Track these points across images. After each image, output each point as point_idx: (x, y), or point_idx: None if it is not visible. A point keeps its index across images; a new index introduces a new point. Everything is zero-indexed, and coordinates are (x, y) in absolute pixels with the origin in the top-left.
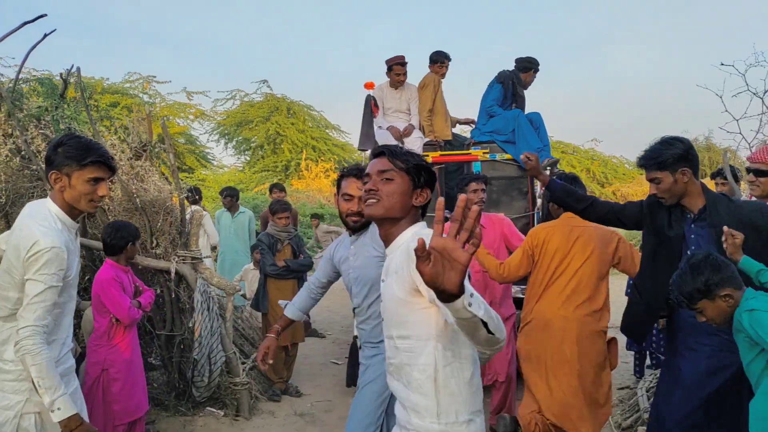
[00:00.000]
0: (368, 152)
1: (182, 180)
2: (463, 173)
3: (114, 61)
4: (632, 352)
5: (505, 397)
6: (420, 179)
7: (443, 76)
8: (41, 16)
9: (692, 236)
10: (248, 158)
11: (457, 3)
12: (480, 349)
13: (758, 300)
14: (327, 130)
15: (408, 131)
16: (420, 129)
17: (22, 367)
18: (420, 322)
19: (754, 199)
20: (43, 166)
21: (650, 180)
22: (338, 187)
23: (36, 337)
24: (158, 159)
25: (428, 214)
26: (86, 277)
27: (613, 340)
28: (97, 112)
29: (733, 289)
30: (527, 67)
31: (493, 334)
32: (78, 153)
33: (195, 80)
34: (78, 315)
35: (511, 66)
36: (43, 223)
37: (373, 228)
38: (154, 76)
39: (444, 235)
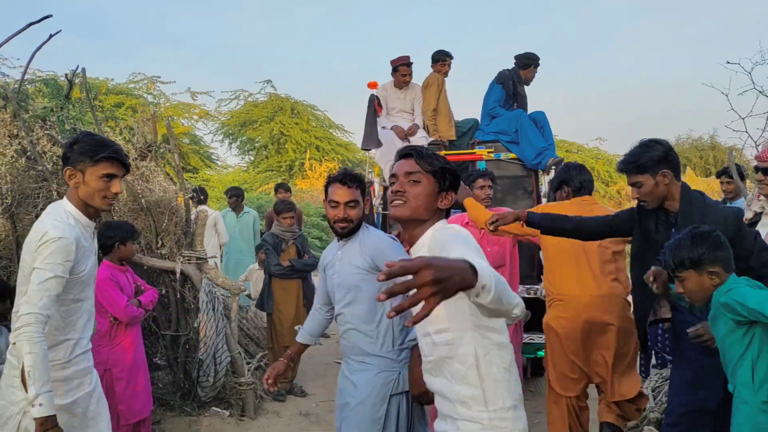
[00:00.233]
0: (372, 152)
1: (187, 180)
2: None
3: (118, 61)
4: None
5: None
6: (445, 182)
7: (446, 74)
8: (46, 17)
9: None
10: (252, 158)
11: (460, 2)
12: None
13: (740, 284)
14: (331, 130)
15: (412, 131)
16: (424, 129)
17: None
18: (454, 314)
19: (762, 198)
20: (49, 166)
21: (631, 184)
22: (326, 192)
23: (38, 326)
24: (163, 159)
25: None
26: None
27: None
28: (102, 113)
29: (722, 270)
30: (526, 63)
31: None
32: (91, 149)
33: (199, 80)
34: None
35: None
36: (55, 217)
37: (364, 236)
38: (159, 77)
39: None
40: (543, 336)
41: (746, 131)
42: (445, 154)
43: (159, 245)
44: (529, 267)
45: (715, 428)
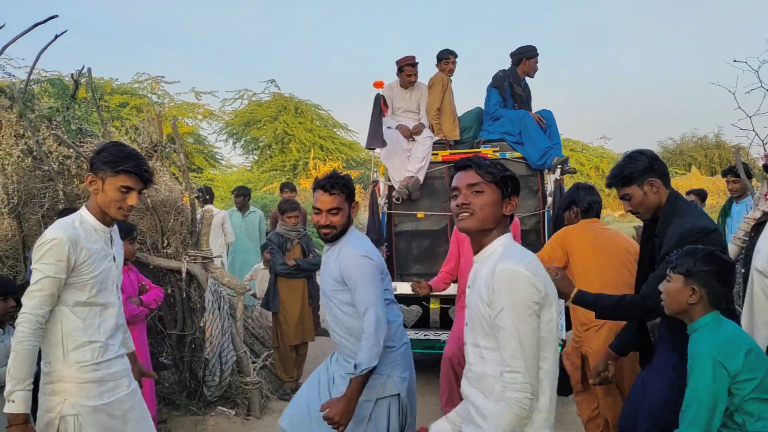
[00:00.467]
0: (377, 151)
1: (192, 180)
2: None
3: (123, 61)
4: None
5: None
6: (507, 188)
7: (450, 72)
8: (52, 18)
9: None
10: (256, 158)
11: (463, 2)
12: None
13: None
14: (335, 129)
15: (418, 130)
16: (430, 128)
17: (58, 368)
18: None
19: None
20: (55, 166)
21: (621, 198)
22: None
23: (26, 325)
24: (168, 159)
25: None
26: None
27: None
28: (107, 113)
29: (706, 298)
30: (518, 58)
31: None
32: (114, 159)
33: (203, 80)
34: None
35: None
36: (62, 221)
37: (343, 246)
38: (163, 77)
39: None
40: None
41: (753, 129)
42: (451, 153)
43: (165, 245)
44: None
45: None
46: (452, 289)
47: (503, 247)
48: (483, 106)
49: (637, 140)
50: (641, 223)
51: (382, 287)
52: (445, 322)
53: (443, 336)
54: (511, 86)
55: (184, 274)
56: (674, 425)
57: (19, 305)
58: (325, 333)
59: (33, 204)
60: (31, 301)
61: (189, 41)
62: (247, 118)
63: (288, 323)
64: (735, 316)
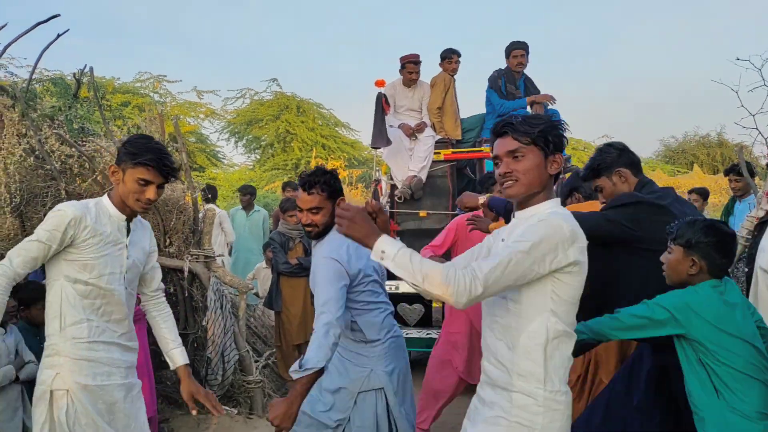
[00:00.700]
0: (380, 150)
1: (194, 179)
2: (475, 170)
3: (125, 60)
4: None
5: None
6: (549, 145)
7: (453, 72)
8: (54, 17)
9: None
10: (258, 156)
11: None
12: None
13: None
14: (337, 128)
15: (420, 128)
16: (432, 127)
17: (54, 341)
18: (533, 292)
19: None
20: (57, 165)
21: (594, 190)
22: None
23: (3, 278)
24: None
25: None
26: None
27: None
28: (110, 112)
29: (705, 269)
30: (507, 54)
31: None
32: (134, 151)
33: (205, 79)
34: None
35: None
36: (79, 201)
37: (320, 247)
38: (165, 76)
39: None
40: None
41: (756, 128)
42: (452, 152)
43: (167, 244)
44: None
45: None
46: None
47: (551, 210)
48: (484, 108)
49: (639, 139)
50: None
51: (342, 292)
52: None
53: None
54: (505, 84)
55: (186, 273)
56: None
57: (19, 305)
58: None
59: (35, 203)
60: (16, 258)
61: (191, 40)
62: (249, 116)
63: (291, 322)
64: None
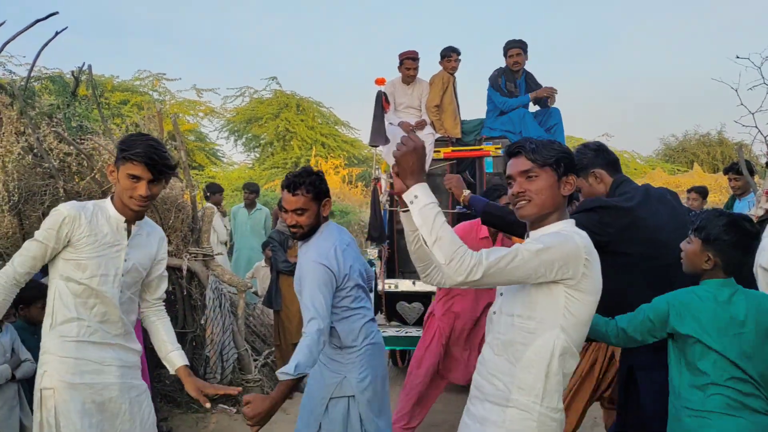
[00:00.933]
0: (380, 148)
1: (194, 177)
2: (475, 173)
3: (123, 58)
4: None
5: None
6: (562, 168)
7: (453, 70)
8: (53, 14)
9: None
10: (258, 155)
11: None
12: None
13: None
14: (337, 127)
15: (420, 125)
16: (431, 125)
17: (45, 340)
18: (547, 307)
19: None
20: (55, 164)
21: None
22: None
23: (4, 279)
24: None
25: None
26: None
27: None
28: (108, 110)
29: (720, 266)
30: (504, 53)
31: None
32: (124, 146)
33: (204, 77)
34: None
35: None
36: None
37: (306, 248)
38: (164, 74)
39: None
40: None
41: (756, 126)
42: (453, 150)
43: None
44: None
45: None
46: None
47: (565, 228)
48: (486, 111)
49: (639, 137)
50: None
51: (329, 298)
52: None
53: None
54: (505, 83)
55: (185, 272)
56: None
57: (18, 304)
58: None
59: (34, 201)
60: (17, 258)
61: (190, 38)
62: (248, 115)
63: (290, 321)
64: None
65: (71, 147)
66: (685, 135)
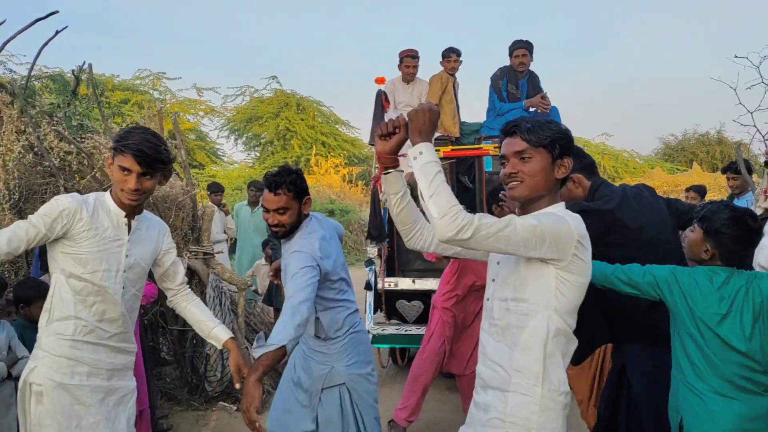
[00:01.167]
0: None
1: (194, 176)
2: (474, 174)
3: (124, 57)
4: None
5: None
6: (557, 150)
7: (453, 70)
8: (53, 13)
9: None
10: (258, 154)
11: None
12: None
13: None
14: (337, 126)
15: None
16: None
17: (40, 335)
18: (539, 288)
19: None
20: (56, 162)
21: None
22: None
23: None
24: None
25: None
26: None
27: None
28: (109, 109)
29: (719, 255)
30: (509, 52)
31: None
32: (118, 139)
33: (205, 76)
34: None
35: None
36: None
37: (292, 242)
38: (164, 73)
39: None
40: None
41: (754, 125)
42: (452, 149)
43: None
44: None
45: None
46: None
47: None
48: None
49: (639, 137)
50: None
51: (313, 281)
52: None
53: None
54: (507, 83)
55: (185, 270)
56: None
57: (18, 302)
58: None
59: (34, 200)
60: (5, 233)
61: (191, 37)
62: (248, 114)
63: None
64: None
65: (72, 146)
66: (685, 134)
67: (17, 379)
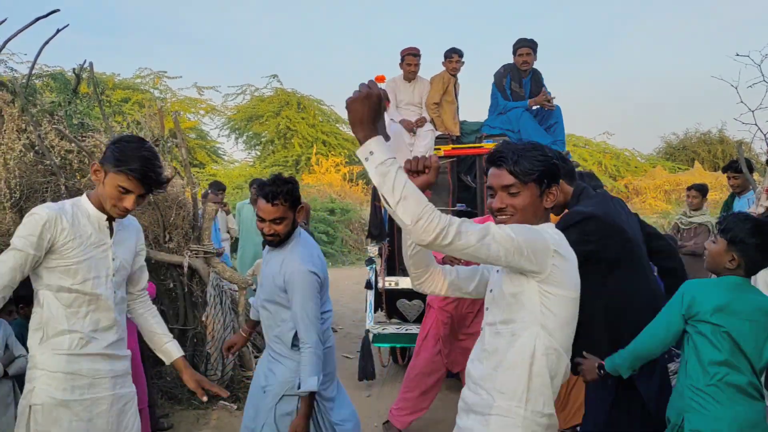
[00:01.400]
0: None
1: (194, 175)
2: (475, 174)
3: (125, 56)
4: None
5: None
6: (545, 180)
7: (454, 71)
8: (54, 12)
9: None
10: (259, 153)
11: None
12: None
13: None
14: (338, 125)
15: (420, 123)
16: (432, 122)
17: (34, 353)
18: (524, 307)
19: None
20: (57, 161)
21: None
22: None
23: None
24: (170, 154)
25: None
26: None
27: None
28: (109, 107)
29: (743, 266)
30: (513, 51)
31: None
32: (119, 157)
33: (205, 75)
34: None
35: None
36: (54, 202)
37: (288, 254)
38: (165, 72)
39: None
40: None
41: (756, 124)
42: (453, 148)
43: (166, 239)
44: None
45: None
46: None
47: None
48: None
49: (640, 136)
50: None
51: (319, 304)
52: None
53: None
54: (510, 83)
55: (186, 269)
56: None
57: (18, 302)
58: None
59: (35, 198)
60: None
61: (191, 36)
62: (249, 113)
63: None
64: None
65: (72, 144)
66: (686, 133)
67: (15, 377)
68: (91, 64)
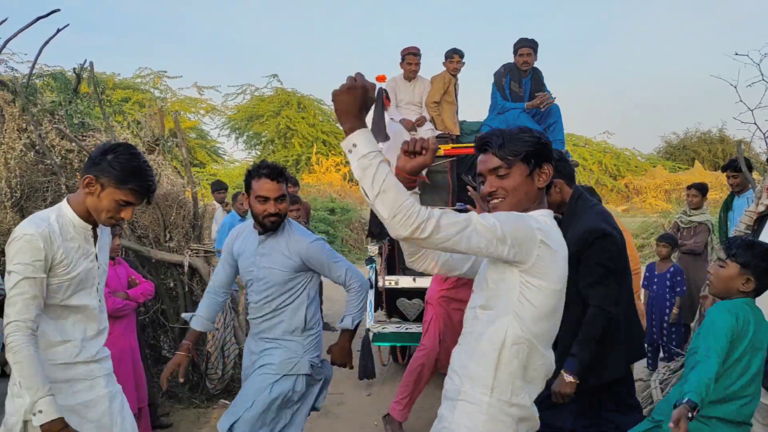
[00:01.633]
0: (380, 145)
1: (195, 175)
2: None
3: (125, 56)
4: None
5: None
6: (533, 161)
7: (455, 71)
8: (54, 11)
9: None
10: (259, 153)
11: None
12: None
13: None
14: (337, 124)
15: (420, 122)
16: (431, 121)
17: None
18: (503, 295)
19: None
20: (57, 160)
21: None
22: (248, 186)
23: (17, 334)
24: (170, 153)
25: None
26: None
27: None
28: (110, 107)
29: (755, 287)
30: (514, 50)
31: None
32: (122, 174)
33: (205, 75)
34: None
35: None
36: (36, 215)
37: (289, 234)
38: (165, 72)
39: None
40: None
41: (755, 123)
42: (452, 147)
43: (167, 238)
44: None
45: None
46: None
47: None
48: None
49: (640, 135)
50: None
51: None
52: None
53: None
54: (510, 83)
55: (186, 268)
56: None
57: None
58: (326, 327)
59: (36, 198)
60: (13, 308)
61: (191, 36)
62: (249, 113)
63: None
64: None
65: (73, 144)
66: (686, 133)
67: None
68: (91, 64)
